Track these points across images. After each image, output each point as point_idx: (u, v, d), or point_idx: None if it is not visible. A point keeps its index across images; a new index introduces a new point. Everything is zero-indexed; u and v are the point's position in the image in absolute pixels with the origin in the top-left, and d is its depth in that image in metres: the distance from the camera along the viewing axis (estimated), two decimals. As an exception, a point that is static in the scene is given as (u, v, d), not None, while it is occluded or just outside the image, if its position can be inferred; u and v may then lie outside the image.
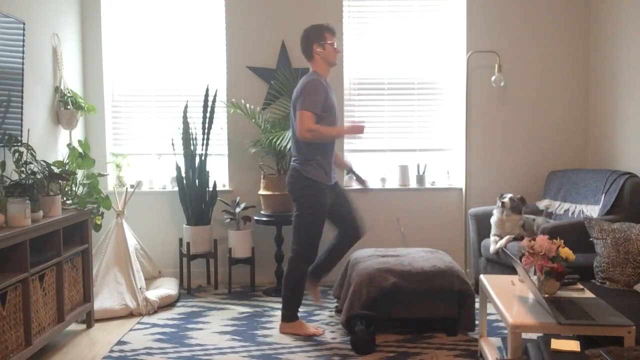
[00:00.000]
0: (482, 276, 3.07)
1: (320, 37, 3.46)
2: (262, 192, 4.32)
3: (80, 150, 3.89)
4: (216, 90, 4.49)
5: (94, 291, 3.77)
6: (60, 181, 3.49)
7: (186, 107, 4.43)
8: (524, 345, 2.18)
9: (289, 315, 3.52)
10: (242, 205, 4.44)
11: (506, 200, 3.90)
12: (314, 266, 3.59)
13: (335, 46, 3.50)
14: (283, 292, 3.52)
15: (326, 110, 3.41)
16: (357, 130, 3.56)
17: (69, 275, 3.43)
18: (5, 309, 2.72)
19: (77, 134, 4.46)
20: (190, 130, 4.41)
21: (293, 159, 3.52)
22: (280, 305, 4.03)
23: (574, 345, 2.03)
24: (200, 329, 3.60)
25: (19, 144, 3.42)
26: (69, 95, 4.16)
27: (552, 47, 4.65)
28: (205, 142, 4.43)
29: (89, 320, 3.67)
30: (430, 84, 4.72)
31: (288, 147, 4.07)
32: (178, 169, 4.41)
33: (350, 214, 3.63)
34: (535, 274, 2.75)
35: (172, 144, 4.51)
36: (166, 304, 4.04)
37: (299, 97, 3.38)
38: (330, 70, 3.58)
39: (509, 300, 2.64)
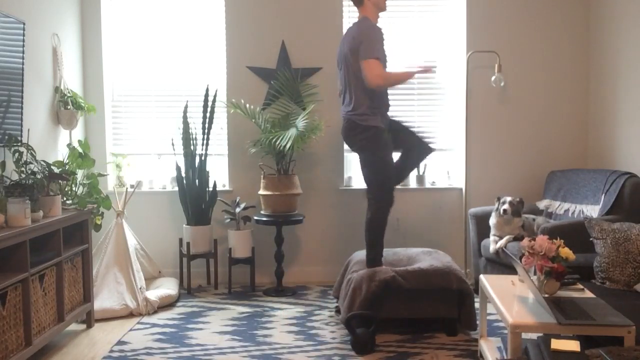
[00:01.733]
0: (482, 276, 3.06)
1: None
2: (262, 192, 4.32)
3: (80, 150, 3.89)
4: (216, 90, 4.49)
5: (94, 291, 3.77)
6: (60, 181, 3.49)
7: (186, 107, 4.43)
8: (524, 345, 2.18)
9: (374, 259, 3.55)
10: (242, 205, 4.45)
11: (506, 206, 3.86)
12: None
13: None
14: (367, 238, 3.56)
15: (382, 59, 3.47)
16: (427, 70, 3.60)
17: (69, 275, 3.43)
18: (5, 309, 2.72)
19: (77, 134, 4.46)
20: (190, 130, 4.41)
21: (347, 111, 3.54)
22: (279, 305, 4.05)
23: (574, 345, 2.03)
24: (200, 329, 3.60)
25: (19, 144, 3.42)
26: (69, 95, 4.16)
27: (552, 47, 4.65)
28: (205, 142, 4.43)
29: (89, 320, 3.67)
30: (430, 83, 4.72)
31: (288, 147, 4.08)
32: (178, 169, 4.41)
33: (413, 135, 3.69)
34: (535, 274, 2.75)
35: (172, 144, 4.51)
36: (166, 304, 4.05)
37: (361, 44, 3.39)
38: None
39: (509, 300, 2.64)
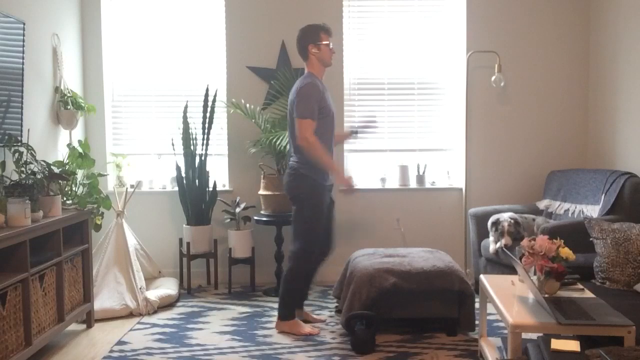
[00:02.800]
0: (482, 276, 3.07)
1: (316, 37, 3.44)
2: (262, 192, 4.32)
3: (80, 150, 3.89)
4: (216, 90, 4.49)
5: (94, 291, 3.77)
6: (60, 181, 3.49)
7: (186, 107, 4.43)
8: (524, 345, 2.18)
9: (284, 315, 3.51)
10: (242, 205, 4.45)
11: (505, 241, 3.76)
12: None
13: (331, 46, 3.49)
14: (281, 290, 3.51)
15: (322, 112, 3.41)
16: (348, 185, 3.46)
17: (69, 275, 3.43)
18: (5, 309, 2.72)
19: (77, 134, 4.46)
20: (190, 130, 4.41)
21: (291, 158, 3.52)
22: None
23: (574, 345, 2.03)
24: (200, 329, 3.60)
25: (19, 144, 3.42)
26: (69, 95, 4.16)
27: (552, 47, 4.65)
28: (205, 142, 4.43)
29: (89, 320, 3.67)
30: (430, 84, 4.72)
31: (288, 147, 4.07)
32: (178, 169, 4.41)
33: (330, 227, 3.64)
34: (535, 274, 2.74)
35: (172, 144, 4.51)
36: (166, 304, 4.04)
37: (295, 102, 3.38)
38: (327, 71, 3.57)
39: (509, 300, 2.64)
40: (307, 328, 3.49)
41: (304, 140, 3.34)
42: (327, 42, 3.46)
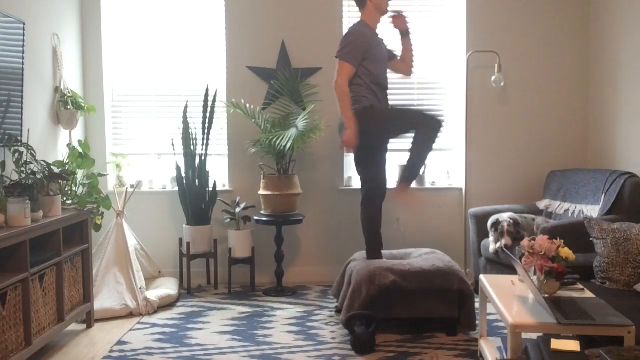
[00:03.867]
0: (482, 276, 3.06)
1: None
2: (262, 192, 4.32)
3: (80, 150, 3.89)
4: (216, 90, 4.49)
5: (94, 291, 3.77)
6: (60, 181, 3.49)
7: (186, 107, 4.43)
8: (524, 345, 2.18)
9: (373, 251, 3.66)
10: (242, 205, 4.45)
11: (507, 239, 3.77)
12: (404, 171, 3.68)
13: None
14: (365, 230, 3.66)
15: (371, 59, 3.56)
16: (348, 144, 3.54)
17: (69, 275, 3.43)
18: (5, 309, 2.72)
19: (77, 134, 4.46)
20: (190, 130, 4.41)
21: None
22: (279, 305, 4.05)
23: (574, 345, 2.03)
24: (200, 329, 3.60)
25: (19, 144, 3.42)
26: (69, 95, 4.16)
27: (552, 47, 4.65)
28: (205, 142, 4.43)
29: (89, 320, 3.67)
30: (430, 83, 4.72)
31: (288, 147, 4.08)
32: (178, 169, 4.41)
33: (419, 113, 3.70)
34: (535, 274, 2.75)
35: (172, 144, 4.51)
36: (166, 304, 4.05)
37: (340, 45, 3.55)
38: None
39: (509, 300, 2.64)
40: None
41: (336, 84, 3.53)
42: None
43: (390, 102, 3.82)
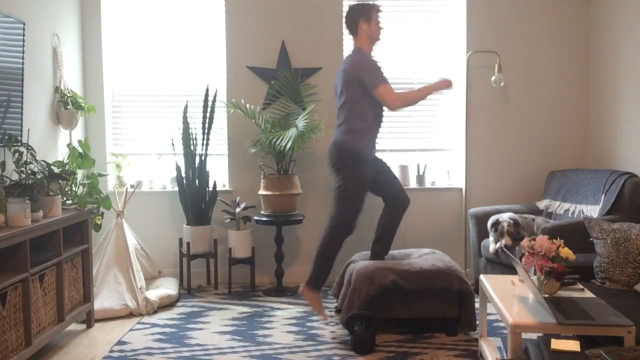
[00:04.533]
0: (482, 276, 3.06)
1: (367, 14, 3.57)
2: (262, 192, 4.32)
3: (80, 150, 3.89)
4: (216, 90, 4.49)
5: (94, 291, 3.77)
6: (60, 181, 3.49)
7: (186, 107, 4.43)
8: (524, 345, 2.18)
9: (315, 282, 3.54)
10: (242, 205, 4.45)
11: (507, 239, 3.77)
12: (376, 253, 3.65)
13: (380, 24, 3.61)
14: (316, 257, 3.56)
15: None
16: (445, 84, 3.56)
17: (69, 275, 3.43)
18: (5, 309, 2.72)
19: (77, 134, 4.46)
20: (190, 130, 4.41)
21: (338, 130, 3.56)
22: (279, 305, 4.05)
23: (574, 345, 2.03)
24: (200, 329, 3.60)
25: (19, 144, 3.42)
26: (69, 95, 4.16)
27: (552, 47, 4.65)
28: (205, 142, 4.43)
29: (89, 320, 3.67)
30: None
31: (288, 147, 4.08)
32: (178, 169, 4.41)
33: (396, 183, 3.69)
34: (535, 274, 2.75)
35: (172, 144, 4.52)
36: (166, 304, 4.05)
37: (364, 75, 3.45)
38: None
39: (509, 300, 2.64)
40: (324, 312, 3.56)
41: (396, 101, 3.45)
42: (378, 20, 3.59)
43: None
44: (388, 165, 3.75)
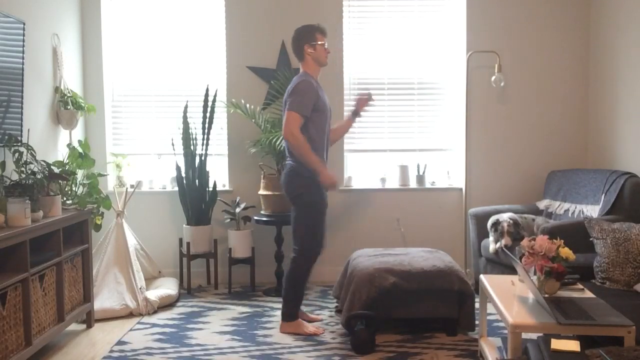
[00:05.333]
0: (482, 276, 3.07)
1: (311, 37, 3.49)
2: (262, 192, 4.32)
3: (80, 150, 3.89)
4: (216, 90, 4.49)
5: (94, 291, 3.77)
6: (60, 181, 3.49)
7: (186, 107, 4.43)
8: (524, 345, 2.18)
9: (290, 315, 3.52)
10: (242, 205, 4.45)
11: (507, 239, 3.77)
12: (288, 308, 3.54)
13: (326, 46, 3.53)
14: (284, 291, 3.52)
15: (317, 110, 3.42)
16: (331, 184, 3.42)
17: (69, 275, 3.43)
18: (5, 309, 2.72)
19: (77, 134, 4.46)
20: (190, 130, 4.41)
21: (288, 158, 3.51)
22: (279, 305, 4.04)
23: (574, 345, 2.03)
24: (200, 329, 3.60)
25: (19, 144, 3.42)
26: (69, 95, 4.16)
27: (552, 47, 4.65)
28: (205, 142, 4.43)
29: (89, 320, 3.67)
30: (430, 83, 4.72)
31: (284, 146, 4.07)
32: (178, 169, 4.41)
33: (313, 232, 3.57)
34: (535, 274, 2.75)
35: (172, 144, 4.51)
36: (166, 304, 4.04)
37: (289, 97, 3.40)
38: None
39: (509, 300, 2.64)
40: (311, 328, 3.50)
41: (289, 134, 3.35)
42: (323, 42, 3.50)
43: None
44: (320, 215, 3.58)
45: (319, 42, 3.49)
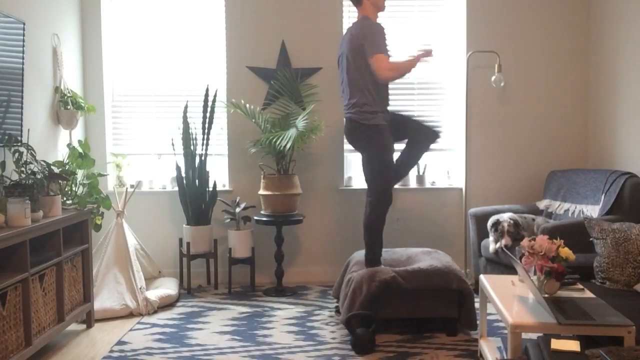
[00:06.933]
0: (482, 276, 3.07)
1: None
2: (262, 192, 4.32)
3: (80, 150, 3.89)
4: (216, 90, 4.49)
5: (94, 291, 3.77)
6: (60, 181, 3.49)
7: (186, 107, 4.43)
8: (524, 345, 2.18)
9: (372, 259, 3.59)
10: (242, 205, 4.45)
11: (507, 239, 3.78)
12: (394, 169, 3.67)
13: None
14: (367, 237, 3.61)
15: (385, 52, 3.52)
16: (427, 54, 3.58)
17: (69, 275, 3.43)
18: (5, 309, 2.72)
19: (77, 134, 4.46)
20: (190, 130, 4.41)
21: (348, 111, 3.58)
22: (279, 305, 4.05)
23: (574, 345, 2.03)
24: (200, 329, 3.60)
25: (19, 144, 3.42)
26: (69, 95, 4.16)
27: (552, 47, 4.65)
28: (205, 142, 4.43)
29: (89, 320, 3.67)
30: (430, 83, 4.72)
31: (288, 147, 4.08)
32: (178, 169, 4.41)
33: (417, 123, 3.71)
34: (535, 274, 2.75)
35: (172, 144, 4.51)
36: (166, 304, 4.05)
37: (365, 41, 3.45)
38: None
39: (509, 300, 2.64)
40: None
41: (388, 72, 3.44)
42: None
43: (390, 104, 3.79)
44: (403, 114, 3.77)
45: None
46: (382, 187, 3.57)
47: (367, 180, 3.62)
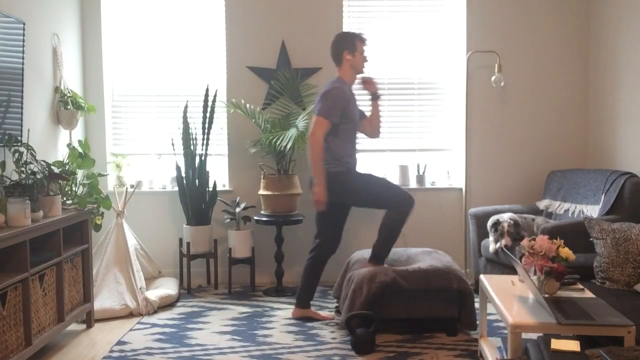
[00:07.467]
0: (482, 276, 3.07)
1: (352, 45, 3.58)
2: (262, 192, 4.32)
3: (80, 150, 3.89)
4: (216, 90, 4.49)
5: (94, 291, 3.77)
6: (60, 181, 3.49)
7: (186, 107, 4.43)
8: (524, 345, 2.18)
9: (305, 303, 3.71)
10: (242, 205, 4.45)
11: (507, 240, 3.78)
12: (374, 251, 3.65)
13: (365, 55, 3.62)
14: (303, 279, 3.70)
15: (346, 118, 3.53)
16: (318, 201, 3.52)
17: (69, 275, 3.43)
18: (5, 309, 2.72)
19: (77, 134, 4.46)
20: (190, 130, 4.41)
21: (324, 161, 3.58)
22: (279, 305, 4.05)
23: (574, 345, 2.03)
24: (200, 329, 3.60)
25: (19, 144, 3.42)
26: (69, 95, 4.16)
27: (552, 47, 4.65)
28: (205, 142, 4.43)
29: (89, 320, 3.67)
30: (430, 83, 4.72)
31: (288, 147, 4.08)
32: (178, 169, 4.41)
33: (389, 191, 3.63)
34: (535, 274, 2.75)
35: (172, 144, 4.51)
36: (166, 304, 4.04)
37: (319, 102, 3.53)
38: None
39: (509, 300, 2.64)
40: (321, 314, 3.75)
41: (313, 136, 3.48)
42: (362, 51, 3.60)
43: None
44: (376, 177, 3.69)
45: (359, 51, 3.58)
46: (331, 231, 3.66)
47: (318, 223, 3.67)
